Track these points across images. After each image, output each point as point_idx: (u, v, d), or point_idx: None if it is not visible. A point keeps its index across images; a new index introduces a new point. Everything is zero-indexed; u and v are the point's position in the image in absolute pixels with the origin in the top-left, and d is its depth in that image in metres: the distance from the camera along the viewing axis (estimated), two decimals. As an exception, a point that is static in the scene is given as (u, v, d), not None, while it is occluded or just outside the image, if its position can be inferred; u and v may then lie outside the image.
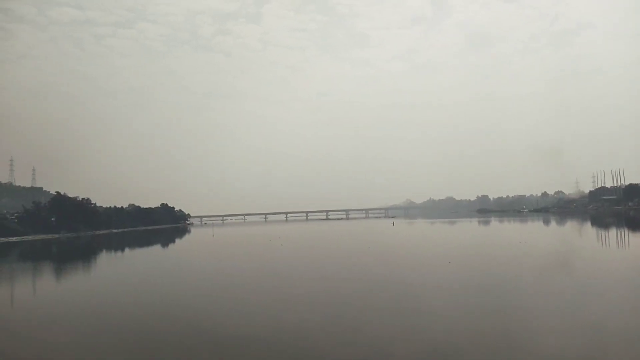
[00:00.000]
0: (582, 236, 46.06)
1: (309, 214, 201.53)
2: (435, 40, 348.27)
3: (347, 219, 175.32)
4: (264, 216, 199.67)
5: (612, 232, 48.97)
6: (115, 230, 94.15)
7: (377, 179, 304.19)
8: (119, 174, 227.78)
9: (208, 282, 21.91)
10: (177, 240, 67.32)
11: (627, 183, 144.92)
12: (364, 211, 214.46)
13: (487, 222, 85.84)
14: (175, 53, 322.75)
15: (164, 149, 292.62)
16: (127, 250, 49.65)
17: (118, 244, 59.20)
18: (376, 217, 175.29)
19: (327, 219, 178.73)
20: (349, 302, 15.15)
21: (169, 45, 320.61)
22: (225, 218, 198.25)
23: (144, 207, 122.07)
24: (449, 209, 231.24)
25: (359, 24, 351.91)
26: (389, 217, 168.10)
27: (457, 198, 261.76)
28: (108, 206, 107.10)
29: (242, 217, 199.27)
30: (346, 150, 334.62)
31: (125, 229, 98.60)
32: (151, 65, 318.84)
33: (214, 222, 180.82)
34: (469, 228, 67.67)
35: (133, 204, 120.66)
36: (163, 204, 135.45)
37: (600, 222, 71.35)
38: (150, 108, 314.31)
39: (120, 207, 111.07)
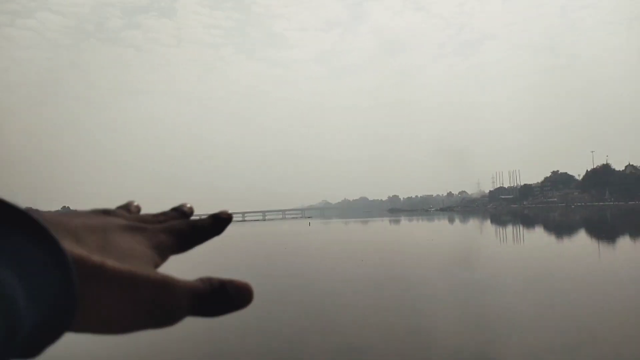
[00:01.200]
0: (482, 233, 49.50)
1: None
2: (351, 45, 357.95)
3: (264, 220, 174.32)
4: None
5: (509, 228, 53.16)
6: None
7: (294, 179, 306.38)
8: (15, 172, 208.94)
9: None
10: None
11: (522, 183, 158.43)
12: (280, 212, 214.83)
13: (397, 221, 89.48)
14: (81, 46, 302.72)
15: (68, 146, 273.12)
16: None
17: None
18: (293, 218, 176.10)
19: (244, 220, 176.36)
20: (261, 301, 14.94)
21: (73, 37, 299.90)
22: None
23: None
24: (362, 209, 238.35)
25: (275, 25, 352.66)
26: (306, 217, 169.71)
27: (370, 198, 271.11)
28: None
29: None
30: (263, 151, 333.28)
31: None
32: (55, 59, 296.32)
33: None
34: (380, 227, 70.15)
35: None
36: (64, 207, 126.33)
37: (498, 219, 77.20)
38: (54, 103, 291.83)
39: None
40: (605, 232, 41.61)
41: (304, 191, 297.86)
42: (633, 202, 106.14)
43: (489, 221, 73.53)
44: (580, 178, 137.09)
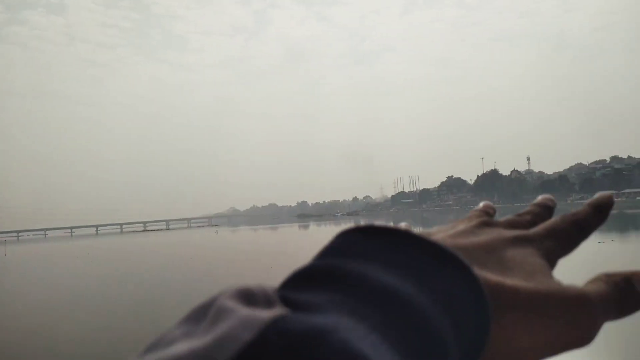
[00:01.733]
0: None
1: (123, 226, 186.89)
2: (256, 51, 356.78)
3: (168, 229, 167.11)
4: (69, 230, 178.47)
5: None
6: None
7: (200, 187, 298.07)
8: None
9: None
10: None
11: (421, 188, 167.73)
12: (186, 221, 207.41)
13: (305, 227, 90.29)
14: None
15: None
16: None
17: None
18: (199, 227, 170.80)
19: (145, 230, 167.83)
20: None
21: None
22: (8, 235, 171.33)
23: None
24: (271, 216, 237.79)
25: (177, 27, 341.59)
26: (213, 225, 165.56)
27: (279, 204, 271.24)
28: None
29: (42, 232, 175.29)
30: (166, 157, 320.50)
31: None
32: None
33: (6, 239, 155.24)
34: (288, 232, 70.25)
35: None
36: None
37: (400, 222, 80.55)
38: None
39: None
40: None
41: (211, 199, 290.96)
42: (518, 204, 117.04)
43: (391, 224, 76.49)
44: (472, 182, 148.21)
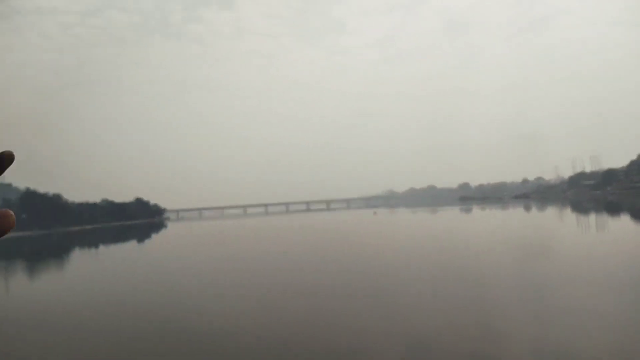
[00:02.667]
0: (563, 223, 45.33)
1: (289, 206, 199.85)
2: (413, 27, 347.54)
3: (329, 209, 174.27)
4: (242, 209, 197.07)
5: (592, 217, 48.46)
6: (89, 226, 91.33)
7: (358, 168, 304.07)
8: (91, 168, 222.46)
9: (193, 279, 20.46)
10: (154, 236, 65.09)
11: (606, 168, 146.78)
12: (345, 202, 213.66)
13: (468, 210, 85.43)
14: (146, 42, 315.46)
15: (138, 141, 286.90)
16: (101, 247, 47.67)
17: (92, 241, 56.94)
18: (358, 208, 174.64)
19: (308, 210, 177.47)
20: (331, 294, 14.34)
21: (138, 34, 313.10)
22: (202, 211, 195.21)
23: (118, 201, 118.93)
24: (430, 198, 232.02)
25: (334, 10, 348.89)
26: (371, 207, 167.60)
27: (439, 186, 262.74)
28: (80, 202, 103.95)
29: (220, 209, 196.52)
30: (326, 140, 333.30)
31: (98, 225, 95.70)
32: (122, 56, 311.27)
33: (191, 215, 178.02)
34: (451, 217, 66.86)
35: (106, 199, 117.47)
36: (137, 198, 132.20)
37: (580, 207, 71.22)
38: (122, 100, 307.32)
39: (92, 202, 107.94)
40: None
41: (368, 180, 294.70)
42: None
43: (569, 210, 67.92)
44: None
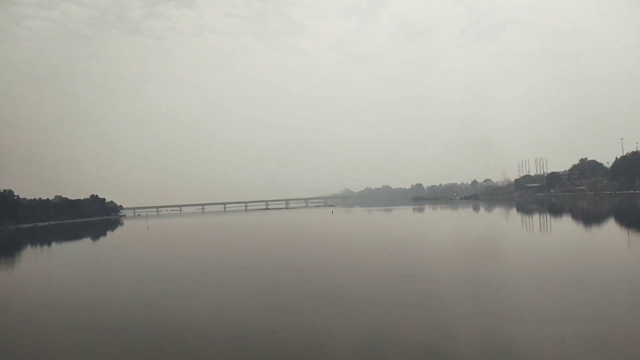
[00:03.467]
0: (508, 222, 48.79)
1: (248, 204, 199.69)
2: (370, 32, 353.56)
3: (287, 208, 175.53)
4: (201, 207, 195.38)
5: (536, 217, 52.26)
6: (41, 224, 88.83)
7: (317, 168, 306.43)
8: (44, 164, 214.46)
9: (145, 275, 21.21)
10: (109, 233, 64.55)
11: (549, 171, 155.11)
12: (303, 200, 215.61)
13: (421, 210, 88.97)
14: (103, 37, 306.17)
15: (93, 137, 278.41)
16: (54, 244, 46.99)
17: (43, 238, 55.90)
18: (315, 206, 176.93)
19: (267, 208, 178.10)
20: (286, 292, 15.22)
21: (95, 28, 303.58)
22: (160, 209, 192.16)
23: (72, 198, 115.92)
24: (385, 197, 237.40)
25: (294, 12, 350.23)
26: (328, 206, 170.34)
27: (393, 187, 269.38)
28: (33, 198, 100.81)
29: (178, 208, 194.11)
30: (286, 139, 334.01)
31: (52, 222, 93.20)
32: (77, 49, 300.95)
33: (147, 213, 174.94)
34: (404, 215, 69.83)
35: (60, 196, 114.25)
36: (93, 195, 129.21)
37: (525, 208, 75.88)
38: (78, 94, 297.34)
39: (46, 199, 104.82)
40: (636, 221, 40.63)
41: (326, 180, 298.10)
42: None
43: (514, 210, 72.35)
44: (609, 166, 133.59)
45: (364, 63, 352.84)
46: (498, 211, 70.98)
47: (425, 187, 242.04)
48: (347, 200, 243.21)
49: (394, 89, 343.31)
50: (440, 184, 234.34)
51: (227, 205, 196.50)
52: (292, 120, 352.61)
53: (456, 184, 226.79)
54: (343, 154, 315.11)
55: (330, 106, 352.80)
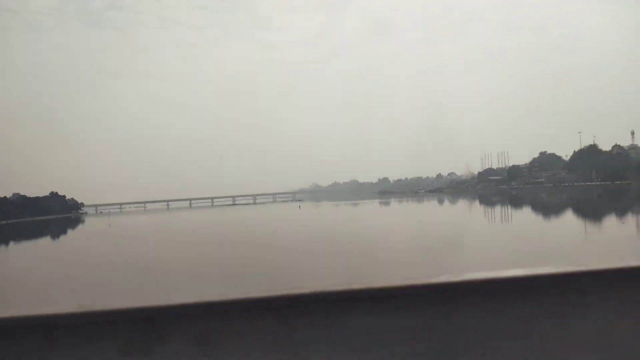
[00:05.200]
0: (470, 213, 50.05)
1: (214, 200, 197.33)
2: (338, 26, 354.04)
3: (255, 204, 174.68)
4: (165, 204, 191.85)
5: (497, 209, 53.81)
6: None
7: (284, 163, 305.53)
8: (1, 160, 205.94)
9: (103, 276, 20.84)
10: (70, 231, 62.82)
11: (511, 164, 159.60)
12: (271, 196, 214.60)
13: (387, 203, 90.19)
14: (64, 28, 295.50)
15: (54, 132, 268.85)
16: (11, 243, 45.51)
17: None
18: (283, 201, 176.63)
19: (234, 204, 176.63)
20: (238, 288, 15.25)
21: (56, 19, 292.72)
22: (123, 206, 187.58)
23: (31, 196, 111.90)
24: (352, 192, 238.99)
25: (260, 6, 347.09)
26: (296, 200, 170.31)
27: (360, 181, 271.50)
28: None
29: (142, 205, 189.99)
30: (252, 134, 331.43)
31: (9, 220, 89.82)
32: (37, 41, 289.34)
33: (110, 210, 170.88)
34: (370, 209, 70.65)
35: (18, 193, 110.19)
36: (52, 192, 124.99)
37: (487, 200, 77.90)
38: (38, 88, 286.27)
39: (3, 196, 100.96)
40: (588, 211, 42.36)
41: (294, 175, 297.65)
42: (619, 182, 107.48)
43: (477, 202, 74.21)
44: (567, 159, 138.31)
45: (332, 57, 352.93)
46: (461, 204, 72.67)
47: (392, 181, 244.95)
48: (315, 194, 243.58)
49: (361, 84, 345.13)
50: (407, 178, 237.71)
51: (192, 202, 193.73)
52: (258, 114, 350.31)
53: (422, 177, 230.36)
54: (311, 149, 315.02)
55: (297, 100, 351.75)
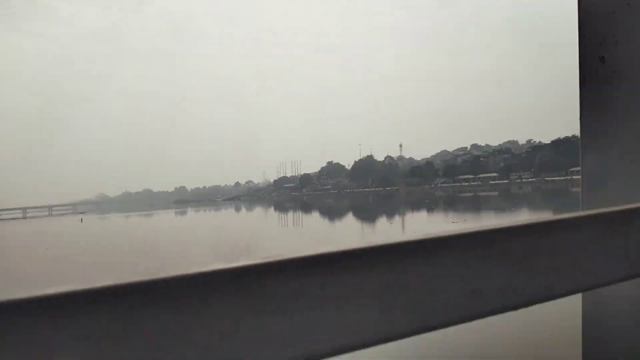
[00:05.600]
0: (261, 219, 51.03)
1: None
2: (135, 26, 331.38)
3: (25, 218, 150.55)
4: None
5: (289, 215, 56.09)
6: None
7: (64, 172, 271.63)
8: None
9: None
10: None
11: (302, 173, 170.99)
12: (47, 208, 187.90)
13: (183, 213, 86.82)
14: None
15: None
16: None
17: None
18: (61, 215, 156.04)
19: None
20: None
21: None
22: None
23: None
24: (146, 202, 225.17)
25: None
26: (79, 213, 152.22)
27: (155, 190, 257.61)
28: None
29: None
30: (21, 136, 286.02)
31: None
32: None
33: None
34: (162, 219, 66.85)
35: None
36: None
37: (282, 207, 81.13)
38: None
39: None
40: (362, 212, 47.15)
41: (76, 184, 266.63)
42: (390, 188, 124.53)
43: (272, 209, 76.65)
44: (349, 168, 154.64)
45: (127, 57, 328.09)
46: (257, 211, 74.11)
47: (189, 190, 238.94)
48: (103, 206, 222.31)
49: (156, 87, 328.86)
50: (205, 187, 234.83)
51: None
52: (30, 114, 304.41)
53: (220, 185, 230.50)
54: (96, 155, 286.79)
55: (79, 101, 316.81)
